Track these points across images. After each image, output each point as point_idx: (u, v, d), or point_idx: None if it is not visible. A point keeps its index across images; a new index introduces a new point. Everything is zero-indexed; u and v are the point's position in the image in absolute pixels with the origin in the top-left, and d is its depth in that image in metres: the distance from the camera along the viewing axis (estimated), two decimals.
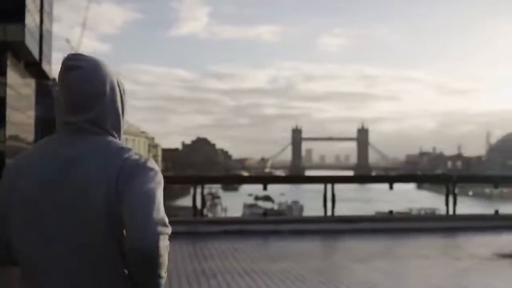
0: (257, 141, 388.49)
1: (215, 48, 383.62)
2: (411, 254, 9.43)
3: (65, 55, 1.79)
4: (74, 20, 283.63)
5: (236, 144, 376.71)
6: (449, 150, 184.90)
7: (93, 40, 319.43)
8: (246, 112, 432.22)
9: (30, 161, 1.77)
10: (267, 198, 67.65)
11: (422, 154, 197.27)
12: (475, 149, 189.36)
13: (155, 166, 1.73)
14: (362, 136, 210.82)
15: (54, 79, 55.24)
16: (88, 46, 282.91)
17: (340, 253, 10.16)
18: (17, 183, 1.74)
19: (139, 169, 1.69)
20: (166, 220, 1.62)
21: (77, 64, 1.77)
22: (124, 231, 1.64)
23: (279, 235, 11.29)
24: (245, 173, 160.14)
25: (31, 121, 52.59)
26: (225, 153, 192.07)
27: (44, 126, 49.06)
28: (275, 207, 68.98)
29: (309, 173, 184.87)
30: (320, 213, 12.59)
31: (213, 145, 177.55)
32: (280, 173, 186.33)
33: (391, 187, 12.87)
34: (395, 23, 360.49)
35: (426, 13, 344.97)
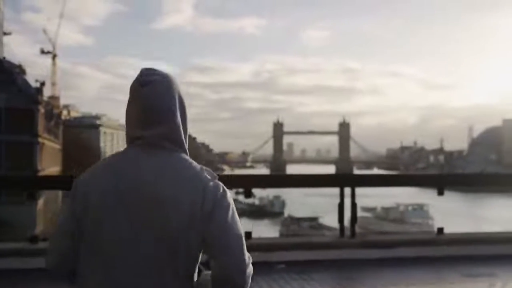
0: (239, 135, 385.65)
1: (199, 41, 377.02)
2: None
3: (139, 73, 1.85)
4: (55, 11, 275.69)
5: (217, 138, 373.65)
6: (430, 144, 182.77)
7: (76, 32, 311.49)
8: (228, 106, 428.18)
9: (104, 176, 1.81)
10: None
11: (403, 148, 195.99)
12: (457, 143, 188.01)
13: (230, 195, 1.82)
14: (344, 130, 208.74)
15: (20, 66, 51.14)
16: (71, 38, 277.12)
17: None
18: (90, 197, 1.79)
19: (221, 201, 1.77)
20: (250, 256, 1.78)
21: (151, 79, 1.83)
22: (214, 265, 1.75)
23: (270, 270, 7.30)
24: (226, 167, 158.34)
25: None
26: (206, 147, 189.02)
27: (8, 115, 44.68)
28: (256, 201, 66.19)
29: (290, 167, 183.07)
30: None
31: (194, 139, 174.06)
32: (261, 167, 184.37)
33: (440, 193, 8.84)
34: (379, 18, 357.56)
35: (411, 8, 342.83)
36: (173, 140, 1.83)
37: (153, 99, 1.80)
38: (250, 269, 1.77)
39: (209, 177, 1.81)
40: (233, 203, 1.80)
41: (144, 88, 1.81)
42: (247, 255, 1.77)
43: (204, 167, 1.84)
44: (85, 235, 1.79)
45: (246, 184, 8.85)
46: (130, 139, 1.86)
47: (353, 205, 8.56)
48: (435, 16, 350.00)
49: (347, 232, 8.59)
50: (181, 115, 1.86)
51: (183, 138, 1.86)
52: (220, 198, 1.77)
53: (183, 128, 1.86)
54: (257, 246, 7.91)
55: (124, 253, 1.74)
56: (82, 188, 1.82)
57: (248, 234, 7.97)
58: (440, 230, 8.82)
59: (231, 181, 7.95)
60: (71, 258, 1.82)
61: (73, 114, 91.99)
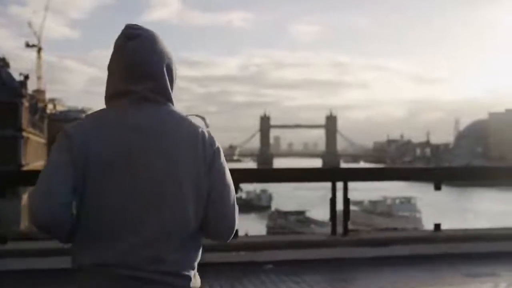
0: (226, 129, 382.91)
1: (186, 34, 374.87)
2: None
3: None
4: (41, 4, 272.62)
5: None
6: (417, 138, 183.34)
7: (62, 25, 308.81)
8: (215, 99, 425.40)
9: (106, 127, 1.79)
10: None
11: (390, 142, 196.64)
12: (443, 136, 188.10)
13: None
14: (331, 123, 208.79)
15: (3, 59, 50.27)
16: (57, 32, 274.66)
17: None
18: (91, 146, 1.75)
19: (218, 151, 1.89)
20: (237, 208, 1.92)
21: (137, 33, 1.86)
22: (209, 209, 1.85)
23: (257, 271, 6.82)
24: None
25: None
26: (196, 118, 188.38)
27: None
28: (243, 195, 65.95)
29: (277, 160, 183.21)
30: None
31: None
32: (248, 160, 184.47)
33: (437, 188, 8.36)
34: (368, 11, 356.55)
35: (399, 2, 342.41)
36: (163, 94, 1.87)
37: (140, 53, 1.83)
38: (237, 222, 1.93)
39: (201, 127, 1.89)
40: (223, 154, 1.92)
41: (130, 42, 1.83)
42: (236, 213, 1.92)
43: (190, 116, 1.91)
44: (89, 180, 1.75)
45: (235, 179, 8.28)
46: (116, 93, 1.85)
47: (346, 201, 8.06)
48: (423, 10, 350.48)
49: (339, 230, 8.07)
50: (170, 70, 1.90)
51: (171, 92, 1.90)
52: (217, 152, 1.88)
53: (171, 83, 1.90)
54: (243, 245, 7.42)
55: (132, 191, 1.77)
56: (79, 136, 1.77)
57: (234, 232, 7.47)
58: (437, 226, 8.31)
59: None
60: (65, 211, 1.74)
61: (59, 108, 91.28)
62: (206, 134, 1.88)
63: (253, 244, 7.66)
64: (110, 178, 1.75)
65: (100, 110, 1.89)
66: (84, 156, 1.75)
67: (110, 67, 1.89)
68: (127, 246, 1.74)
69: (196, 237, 1.86)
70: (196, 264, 1.87)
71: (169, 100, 1.89)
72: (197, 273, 1.89)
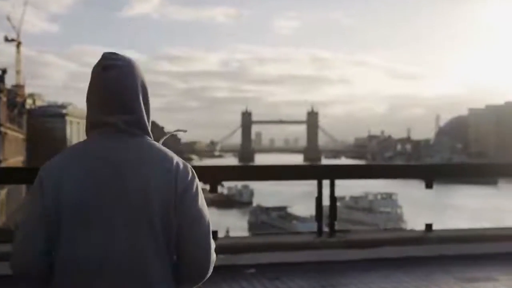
0: (208, 125, 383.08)
1: (168, 29, 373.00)
2: None
3: (103, 55, 1.84)
4: None
5: (185, 127, 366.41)
6: (398, 133, 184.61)
7: (42, 20, 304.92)
8: (197, 95, 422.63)
9: (76, 163, 1.78)
10: None
11: (371, 137, 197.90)
12: (424, 132, 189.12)
13: (193, 171, 1.86)
14: (312, 119, 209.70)
15: None
16: (36, 26, 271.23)
17: None
18: (63, 186, 1.74)
19: (191, 184, 1.82)
20: (213, 243, 1.84)
21: (115, 64, 1.82)
22: (181, 251, 1.80)
23: (237, 276, 6.41)
24: (194, 157, 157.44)
25: None
26: (174, 137, 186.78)
27: None
28: (225, 191, 65.66)
29: (259, 156, 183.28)
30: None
31: (162, 128, 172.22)
32: (229, 156, 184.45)
33: (428, 186, 7.90)
34: (350, 7, 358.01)
35: None
36: (139, 126, 1.83)
37: (116, 84, 1.80)
38: (214, 257, 1.84)
39: (178, 159, 1.85)
40: (200, 187, 1.86)
41: (106, 72, 1.80)
42: (212, 244, 1.84)
43: (174, 154, 1.86)
44: (62, 226, 1.74)
45: (216, 176, 7.74)
46: (92, 125, 1.84)
47: (333, 200, 7.60)
48: (404, 6, 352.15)
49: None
50: (144, 101, 1.86)
51: (147, 123, 1.87)
52: (190, 180, 1.82)
53: (148, 113, 1.87)
54: (223, 248, 6.91)
55: (107, 234, 1.73)
56: (50, 178, 1.76)
57: (214, 234, 6.91)
58: (428, 226, 7.86)
59: (199, 173, 6.89)
60: (46, 249, 1.75)
61: (38, 103, 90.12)
62: (181, 166, 1.82)
63: (233, 246, 7.16)
64: (83, 224, 1.73)
65: (76, 144, 1.89)
66: (57, 202, 1.73)
67: (88, 96, 1.85)
68: None
69: (163, 267, 1.80)
70: None
71: (146, 132, 1.85)
72: None
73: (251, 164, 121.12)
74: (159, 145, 1.86)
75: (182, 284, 1.83)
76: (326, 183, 7.74)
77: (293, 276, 6.49)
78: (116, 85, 1.78)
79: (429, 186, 7.85)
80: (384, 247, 7.32)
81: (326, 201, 7.74)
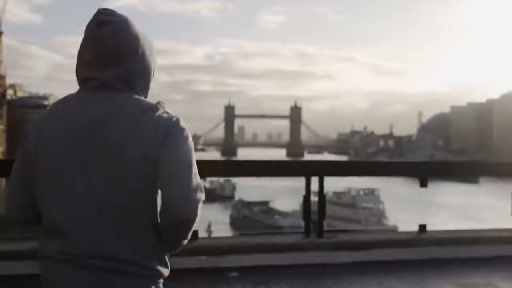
0: (191, 118, 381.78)
1: (152, 22, 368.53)
2: None
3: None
4: None
5: None
6: (380, 129, 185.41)
7: (25, 10, 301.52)
8: (180, 88, 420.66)
9: (55, 119, 1.79)
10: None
11: (354, 133, 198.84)
12: (407, 128, 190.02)
13: (185, 125, 1.79)
14: (295, 114, 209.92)
15: None
16: (18, 16, 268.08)
17: None
18: (43, 141, 1.77)
19: (173, 129, 1.75)
20: (202, 185, 1.76)
21: (109, 19, 1.78)
22: (161, 196, 1.74)
23: (219, 279, 5.93)
24: None
25: None
26: None
27: None
28: (207, 185, 65.25)
29: (241, 150, 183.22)
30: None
31: None
32: (212, 150, 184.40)
33: (423, 185, 7.49)
34: (337, 3, 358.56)
35: None
36: (125, 81, 1.79)
37: (110, 39, 1.76)
38: (198, 197, 1.73)
39: (163, 113, 1.78)
40: (188, 136, 1.78)
41: (100, 28, 1.77)
42: (197, 189, 1.74)
43: (164, 109, 1.80)
44: (40, 175, 1.77)
45: (201, 172, 7.23)
46: (82, 80, 1.82)
47: (321, 198, 7.12)
48: (388, 3, 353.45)
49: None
50: (142, 58, 1.82)
51: (141, 82, 1.84)
52: (173, 126, 1.75)
53: (144, 72, 1.84)
54: (204, 249, 6.44)
55: (78, 192, 1.72)
56: (34, 130, 1.79)
57: (194, 234, 6.39)
58: (422, 227, 7.41)
59: None
60: (27, 204, 1.83)
61: (20, 94, 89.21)
62: (169, 119, 1.76)
63: (215, 247, 6.66)
64: (58, 174, 1.74)
65: (58, 100, 1.88)
66: (35, 155, 1.77)
67: (79, 52, 1.82)
68: (86, 237, 1.73)
69: (143, 223, 1.76)
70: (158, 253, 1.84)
71: (132, 87, 1.81)
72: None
73: (233, 158, 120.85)
74: (145, 100, 1.81)
75: (164, 234, 1.77)
76: (313, 179, 7.29)
77: (279, 280, 6.04)
78: (109, 41, 1.76)
79: (423, 184, 7.45)
80: (375, 249, 6.88)
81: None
